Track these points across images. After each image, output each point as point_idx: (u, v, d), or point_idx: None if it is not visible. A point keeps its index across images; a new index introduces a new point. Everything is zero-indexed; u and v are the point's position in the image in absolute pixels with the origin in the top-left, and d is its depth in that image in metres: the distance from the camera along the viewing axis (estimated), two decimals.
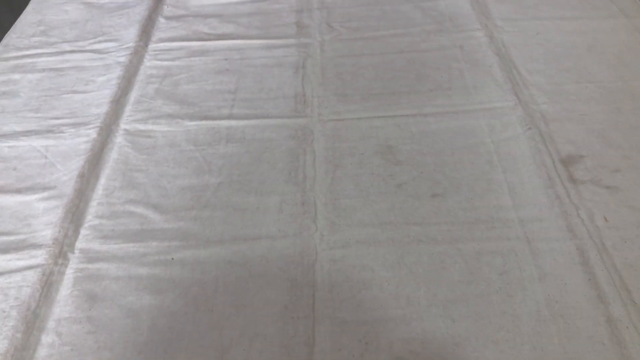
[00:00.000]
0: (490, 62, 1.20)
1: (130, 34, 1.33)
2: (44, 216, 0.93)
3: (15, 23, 1.40)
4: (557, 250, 0.84)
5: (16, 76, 1.23)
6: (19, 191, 0.98)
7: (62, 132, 1.09)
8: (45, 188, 0.98)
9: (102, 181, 0.99)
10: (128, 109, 1.14)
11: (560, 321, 0.75)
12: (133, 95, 1.17)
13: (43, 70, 1.25)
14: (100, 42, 1.32)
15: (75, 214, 0.93)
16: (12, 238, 0.90)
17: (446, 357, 0.72)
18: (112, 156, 1.04)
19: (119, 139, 1.07)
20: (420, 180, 0.96)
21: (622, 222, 0.87)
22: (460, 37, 1.28)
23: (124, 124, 1.10)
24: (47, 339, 0.77)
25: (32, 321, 0.78)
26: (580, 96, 1.11)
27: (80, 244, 0.89)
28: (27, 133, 1.09)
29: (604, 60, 1.19)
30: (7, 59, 1.28)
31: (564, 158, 0.98)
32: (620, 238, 0.85)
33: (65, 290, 0.83)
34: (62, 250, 0.88)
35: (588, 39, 1.26)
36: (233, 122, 1.09)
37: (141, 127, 1.09)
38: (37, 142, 1.07)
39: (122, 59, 1.26)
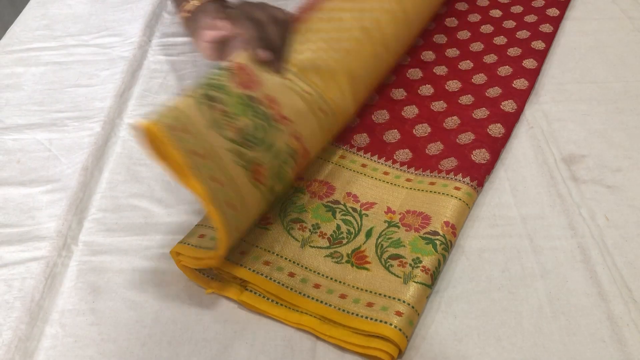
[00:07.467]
0: None
1: (134, 29, 1.33)
2: (47, 209, 0.93)
3: (19, 16, 1.41)
4: (559, 248, 0.84)
5: (20, 69, 1.23)
6: (22, 184, 0.98)
7: (65, 125, 1.09)
8: (48, 181, 0.98)
9: (106, 175, 0.99)
10: (132, 104, 1.14)
11: (562, 318, 0.76)
12: (137, 89, 1.18)
13: (47, 63, 1.25)
14: (103, 36, 1.33)
15: (78, 207, 0.93)
16: (15, 230, 0.90)
17: (448, 353, 0.73)
18: (116, 150, 1.04)
19: (122, 133, 1.07)
20: None
21: (623, 221, 0.88)
22: None
23: (127, 118, 1.10)
24: (50, 330, 0.77)
25: (36, 312, 0.79)
26: (582, 96, 1.11)
27: (83, 236, 0.89)
28: (30, 126, 1.09)
29: (605, 60, 1.20)
30: (10, 52, 1.29)
31: (566, 157, 0.98)
32: (620, 237, 0.85)
33: (68, 282, 0.83)
34: (65, 242, 0.88)
35: (590, 39, 1.27)
36: None
37: None
38: (41, 135, 1.07)
39: (125, 54, 1.26)
